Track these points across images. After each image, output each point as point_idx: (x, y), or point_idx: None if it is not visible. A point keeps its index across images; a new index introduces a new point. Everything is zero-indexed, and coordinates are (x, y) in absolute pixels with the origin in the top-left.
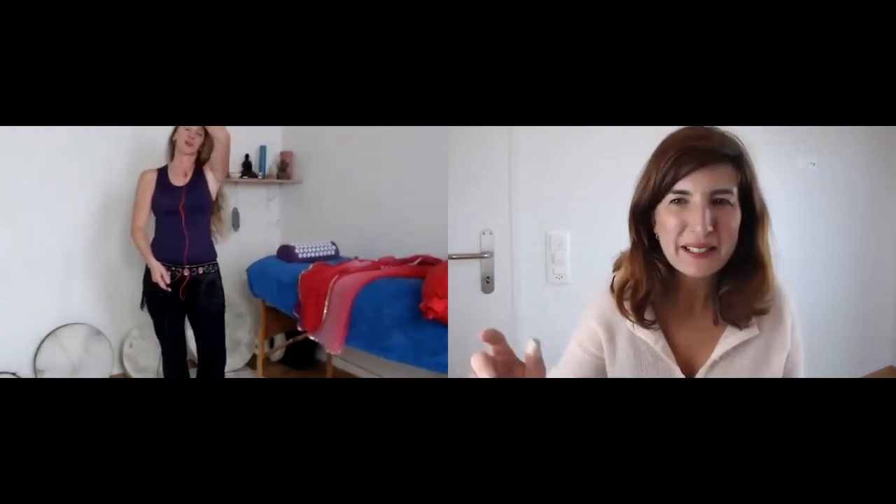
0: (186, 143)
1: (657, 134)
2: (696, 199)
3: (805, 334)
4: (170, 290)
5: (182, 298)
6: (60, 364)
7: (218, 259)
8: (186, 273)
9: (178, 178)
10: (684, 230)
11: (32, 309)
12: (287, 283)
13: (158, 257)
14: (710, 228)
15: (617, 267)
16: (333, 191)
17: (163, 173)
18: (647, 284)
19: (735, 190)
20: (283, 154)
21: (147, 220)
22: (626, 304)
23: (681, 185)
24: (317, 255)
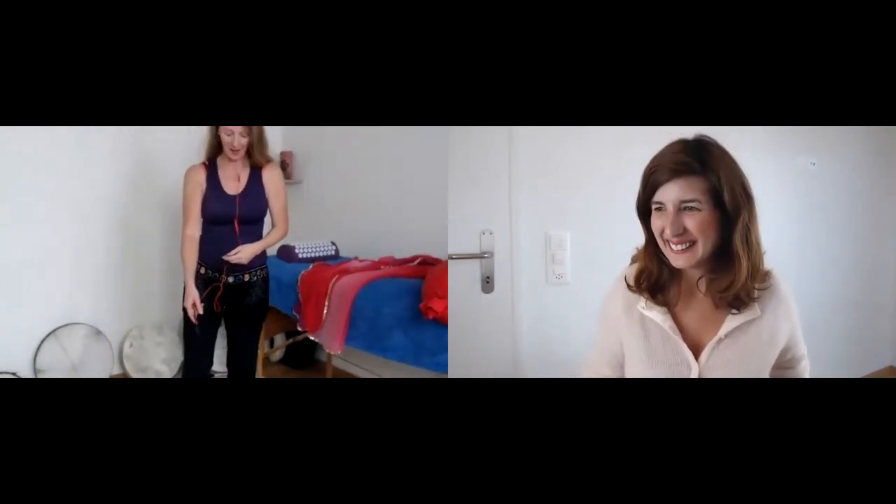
0: (232, 150)
1: (657, 134)
2: (668, 208)
3: (805, 334)
4: (197, 322)
5: (217, 310)
6: (60, 364)
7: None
8: (231, 280)
9: (231, 184)
10: (665, 230)
11: (32, 309)
12: (287, 283)
13: (202, 259)
14: (679, 231)
15: (634, 261)
16: (333, 191)
17: (213, 174)
18: (656, 272)
19: (703, 197)
20: (283, 154)
21: (198, 228)
22: (643, 286)
23: (657, 197)
24: (317, 255)
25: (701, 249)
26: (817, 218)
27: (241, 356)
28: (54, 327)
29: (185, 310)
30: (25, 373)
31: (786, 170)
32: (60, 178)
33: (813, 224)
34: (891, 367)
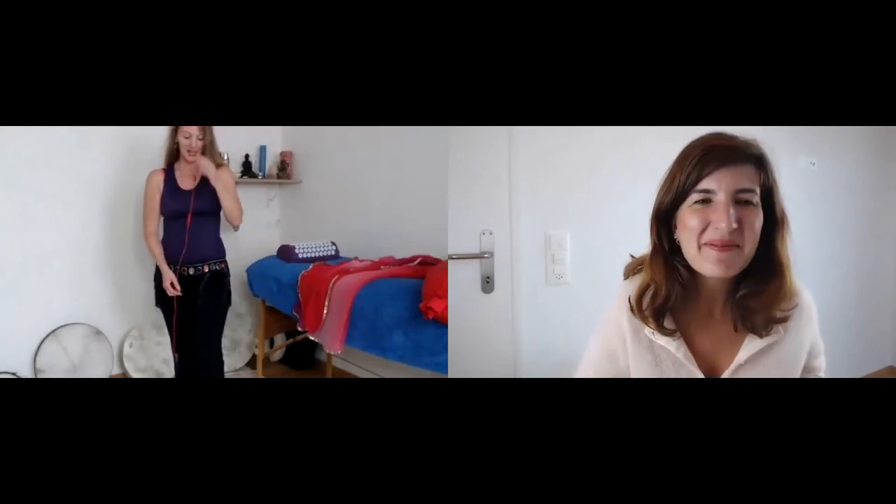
0: (188, 151)
1: (657, 134)
2: (721, 197)
3: None
4: (179, 293)
5: (182, 295)
6: (60, 364)
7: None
8: (190, 272)
9: (187, 182)
10: (707, 228)
11: (32, 309)
12: (287, 283)
13: (164, 257)
14: (734, 226)
15: (629, 273)
16: (333, 191)
17: (170, 174)
18: (667, 288)
19: (758, 190)
20: (283, 154)
21: (158, 223)
22: (647, 311)
23: (705, 184)
24: (317, 255)
25: (746, 253)
26: (817, 218)
27: (200, 350)
28: (54, 327)
29: (162, 306)
30: (25, 373)
31: (786, 170)
32: (60, 178)
33: (813, 224)
34: (891, 367)
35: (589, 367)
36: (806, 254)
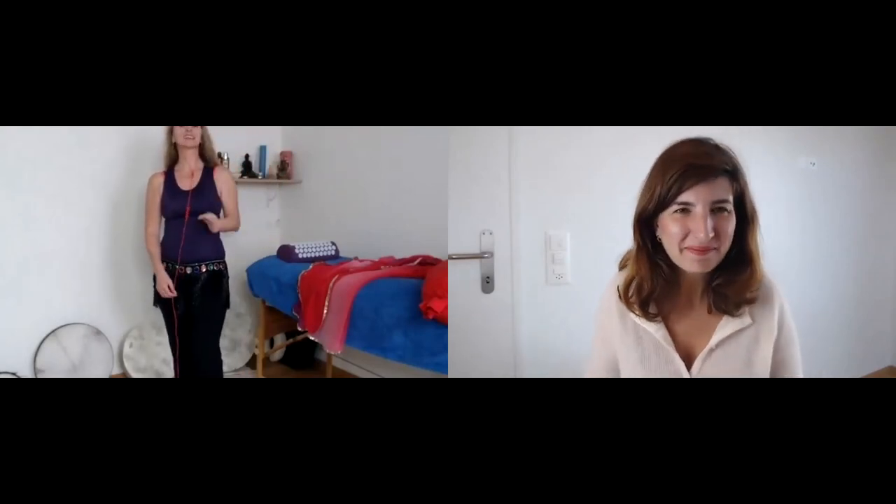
0: (185, 137)
1: (657, 134)
2: (699, 209)
3: (805, 334)
4: (174, 295)
5: (180, 295)
6: (60, 364)
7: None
8: (188, 271)
9: (186, 181)
10: (687, 235)
11: (32, 309)
12: (287, 283)
13: (164, 256)
14: (711, 234)
15: (622, 266)
16: (333, 191)
17: (171, 176)
18: (651, 282)
19: (731, 198)
20: (283, 154)
21: (159, 225)
22: (633, 299)
23: (684, 198)
24: (317, 255)
25: (721, 252)
26: (817, 217)
27: (198, 348)
28: (54, 327)
29: (161, 307)
30: (25, 373)
31: (786, 170)
32: (60, 178)
33: (813, 224)
34: (891, 367)
35: (594, 359)
36: (806, 254)
